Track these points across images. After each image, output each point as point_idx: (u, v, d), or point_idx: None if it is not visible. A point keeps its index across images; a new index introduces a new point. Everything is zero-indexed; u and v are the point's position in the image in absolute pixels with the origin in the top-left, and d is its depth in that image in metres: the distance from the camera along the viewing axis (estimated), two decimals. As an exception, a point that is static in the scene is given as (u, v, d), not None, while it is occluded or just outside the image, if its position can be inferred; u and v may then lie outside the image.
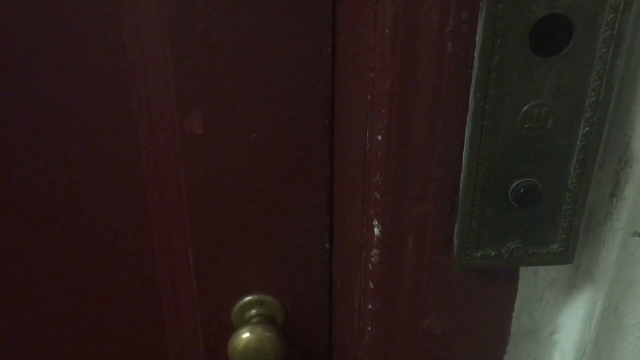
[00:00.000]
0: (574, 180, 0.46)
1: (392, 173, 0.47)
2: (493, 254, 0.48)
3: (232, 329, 0.67)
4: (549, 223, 0.47)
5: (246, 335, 0.64)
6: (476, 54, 0.42)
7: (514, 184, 0.46)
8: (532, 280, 0.53)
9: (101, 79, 0.57)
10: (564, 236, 0.47)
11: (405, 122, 0.45)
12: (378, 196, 0.48)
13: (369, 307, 0.52)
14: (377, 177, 0.47)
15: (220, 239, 0.64)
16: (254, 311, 0.70)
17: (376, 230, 0.49)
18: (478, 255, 0.48)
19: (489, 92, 0.43)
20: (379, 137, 0.46)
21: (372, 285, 0.51)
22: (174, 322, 0.72)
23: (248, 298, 0.69)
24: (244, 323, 0.69)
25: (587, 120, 0.44)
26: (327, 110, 0.58)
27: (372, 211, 0.49)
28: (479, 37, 0.41)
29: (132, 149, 0.60)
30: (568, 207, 0.47)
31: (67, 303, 0.68)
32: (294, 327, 0.71)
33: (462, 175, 0.46)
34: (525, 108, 0.43)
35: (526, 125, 0.44)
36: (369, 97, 0.46)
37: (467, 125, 0.45)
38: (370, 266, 0.50)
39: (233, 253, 0.65)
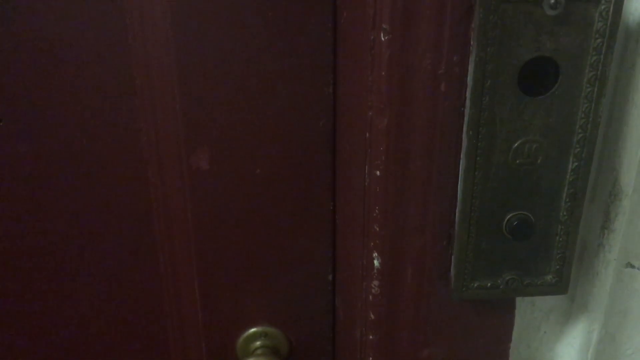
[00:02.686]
0: (565, 213, 0.48)
1: (390, 207, 0.49)
2: (489, 284, 0.49)
3: (237, 360, 0.68)
4: (543, 255, 0.49)
5: (251, 366, 0.65)
6: (468, 94, 0.44)
7: (508, 217, 0.47)
8: (529, 310, 0.54)
9: (112, 116, 0.59)
10: (557, 267, 0.49)
11: (402, 158, 0.47)
12: (377, 229, 0.50)
13: (370, 337, 0.53)
14: (376, 211, 0.49)
15: (226, 271, 0.66)
16: (258, 343, 0.71)
17: (376, 262, 0.51)
18: (475, 286, 0.49)
19: (481, 130, 0.45)
20: (378, 173, 0.48)
21: (372, 316, 0.52)
22: (180, 353, 0.73)
23: (253, 330, 0.70)
24: (248, 355, 0.70)
25: (575, 156, 0.46)
26: (329, 146, 0.60)
27: (372, 243, 0.50)
28: (470, 78, 0.44)
29: (140, 184, 0.63)
30: (560, 239, 0.48)
31: (73, 335, 0.69)
32: (298, 358, 0.72)
33: (457, 209, 0.48)
34: (516, 145, 0.45)
35: (517, 161, 0.46)
36: (367, 134, 0.48)
37: (461, 161, 0.47)
38: (370, 297, 0.52)
39: (238, 285, 0.67)
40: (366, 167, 0.49)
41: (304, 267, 0.67)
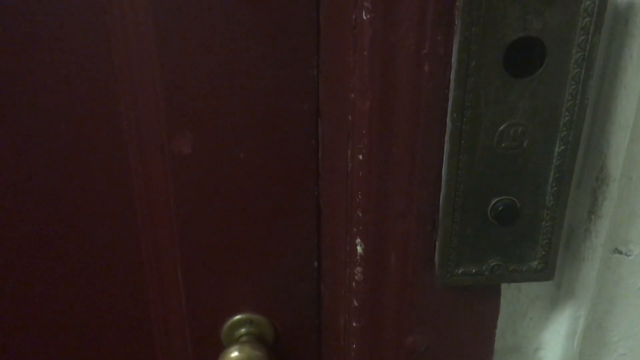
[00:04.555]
0: (551, 198, 0.47)
1: (373, 192, 0.48)
2: (474, 270, 0.49)
3: (222, 347, 0.67)
4: (528, 240, 0.48)
5: (235, 354, 0.64)
6: (452, 75, 0.43)
7: (493, 202, 0.46)
8: (515, 297, 0.53)
9: (91, 100, 0.58)
10: (543, 253, 0.48)
11: (385, 141, 0.46)
12: (360, 215, 0.48)
13: (354, 324, 0.52)
14: (359, 196, 0.48)
15: (210, 257, 0.65)
16: (243, 330, 0.70)
17: (359, 249, 0.50)
18: (459, 272, 0.48)
19: (465, 113, 0.44)
20: (360, 157, 0.47)
21: (356, 303, 0.52)
22: (164, 340, 0.72)
23: (238, 317, 0.69)
24: (233, 342, 0.69)
25: (562, 139, 0.45)
26: (313, 130, 0.59)
27: (355, 229, 0.49)
28: (454, 59, 0.43)
29: (121, 169, 0.61)
30: (546, 225, 0.47)
31: (54, 321, 0.68)
32: (284, 345, 0.71)
33: (441, 194, 0.47)
34: (502, 128, 0.44)
35: (503, 145, 0.45)
36: (350, 117, 0.47)
37: (445, 145, 0.46)
38: (354, 284, 0.51)
39: (222, 272, 0.66)
40: (349, 151, 0.48)
41: (289, 254, 0.66)
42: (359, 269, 0.50)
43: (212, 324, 0.70)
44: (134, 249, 0.66)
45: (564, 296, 0.53)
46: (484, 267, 0.49)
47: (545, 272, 0.49)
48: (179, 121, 0.58)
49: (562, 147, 0.45)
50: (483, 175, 0.46)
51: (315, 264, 0.67)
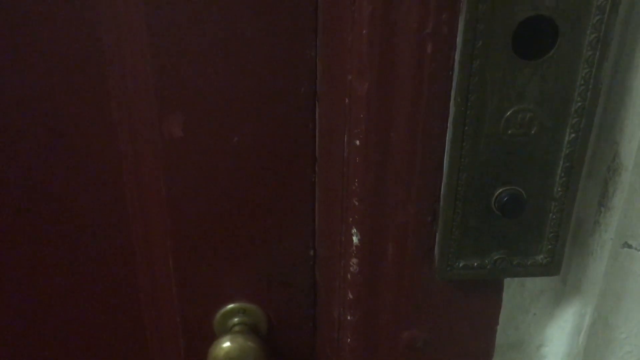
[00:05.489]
0: (559, 189, 0.44)
1: (370, 179, 0.45)
2: (476, 264, 0.46)
3: (214, 337, 0.65)
4: (534, 233, 0.46)
5: (227, 344, 0.62)
6: (457, 57, 0.40)
7: (498, 192, 0.44)
8: (518, 291, 0.51)
9: (79, 80, 0.55)
10: (549, 247, 0.46)
11: (383, 126, 0.43)
12: (357, 203, 0.46)
13: (348, 317, 0.50)
14: (356, 184, 0.45)
15: (202, 245, 0.63)
16: (236, 319, 0.68)
17: (355, 239, 0.47)
18: (460, 265, 0.46)
19: (470, 97, 0.41)
20: (357, 142, 0.44)
21: (351, 296, 0.49)
22: (155, 330, 0.70)
23: (230, 306, 0.67)
24: (226, 331, 0.67)
25: (573, 127, 0.42)
26: (311, 114, 0.56)
27: (351, 219, 0.47)
28: (459, 39, 0.40)
29: (111, 153, 0.59)
30: (554, 217, 0.45)
31: (45, 309, 0.66)
32: (277, 336, 0.69)
33: (443, 183, 0.44)
34: (508, 114, 0.42)
35: (509, 132, 0.42)
36: (347, 100, 0.44)
37: (448, 131, 0.43)
38: (349, 276, 0.49)
39: (215, 260, 0.64)
40: (345, 136, 0.45)
41: (284, 241, 0.64)
42: (354, 260, 0.48)
43: (204, 313, 0.68)
44: (123, 235, 0.63)
45: (570, 291, 0.51)
46: (486, 261, 0.46)
47: (551, 267, 0.46)
48: (170, 102, 0.55)
49: (573, 135, 0.42)
50: (487, 163, 0.43)
51: (312, 252, 0.65)
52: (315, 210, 0.61)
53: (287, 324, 0.69)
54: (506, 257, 0.46)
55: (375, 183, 0.45)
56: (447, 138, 0.43)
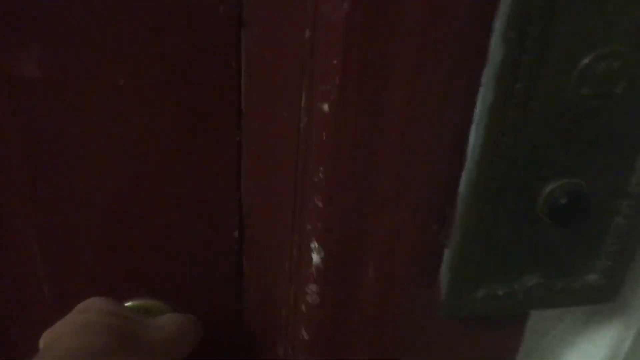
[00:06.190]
0: (636, 183, 0.28)
1: (344, 167, 0.27)
2: (502, 293, 0.30)
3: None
4: (590, 245, 0.30)
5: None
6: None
7: (549, 190, 0.27)
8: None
9: None
10: (609, 264, 0.30)
11: (371, 79, 0.25)
12: (320, 204, 0.28)
13: (301, 363, 0.33)
14: (320, 174, 0.27)
15: (79, 227, 0.43)
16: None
17: (315, 257, 0.29)
18: (479, 296, 0.30)
19: (530, 30, 0.23)
20: (325, 107, 0.25)
21: (306, 336, 0.32)
22: (27, 341, 0.50)
23: (127, 304, 0.49)
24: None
25: (680, 85, 0.25)
26: (235, 45, 0.36)
27: (310, 226, 0.29)
28: None
29: None
30: (623, 223, 0.29)
31: None
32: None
33: (464, 174, 0.27)
34: (586, 61, 0.24)
35: (582, 91, 0.25)
36: (307, 33, 0.25)
37: (481, 89, 0.25)
38: (304, 307, 0.31)
39: (98, 245, 0.44)
40: (303, 95, 0.26)
41: (195, 219, 0.45)
42: (313, 287, 0.30)
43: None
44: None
45: (610, 310, 0.36)
46: (516, 287, 0.30)
47: (606, 291, 0.31)
48: (20, 31, 0.34)
49: (678, 99, 0.26)
50: (540, 144, 0.26)
51: (236, 233, 0.46)
52: (240, 178, 0.43)
53: (204, 321, 0.52)
54: (544, 280, 0.30)
55: (351, 172, 0.27)
56: (480, 100, 0.25)
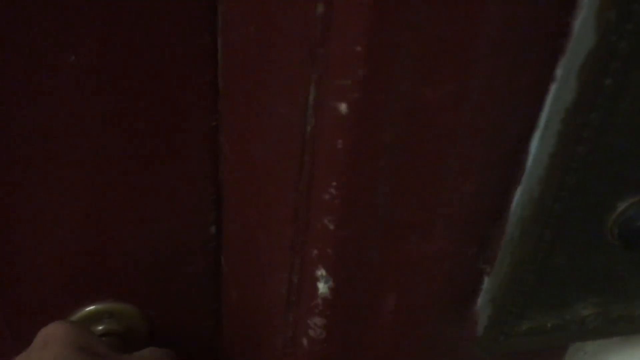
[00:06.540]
0: None
1: (364, 183, 0.21)
2: (550, 325, 0.24)
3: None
4: (658, 266, 0.24)
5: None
6: None
7: (621, 207, 0.21)
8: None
9: None
10: (677, 285, 0.25)
11: (407, 72, 0.18)
12: (331, 226, 0.22)
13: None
14: (333, 189, 0.21)
15: (36, 223, 0.36)
16: (100, 327, 0.44)
17: (322, 286, 0.23)
18: (524, 329, 0.24)
19: (633, 7, 0.17)
20: (343, 107, 0.19)
21: (308, 373, 0.26)
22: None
23: (89, 309, 0.43)
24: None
25: None
26: (209, 17, 0.29)
27: (316, 251, 0.23)
28: None
29: None
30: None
31: None
32: (165, 345, 0.46)
33: (520, 190, 0.21)
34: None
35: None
36: (319, 7, 0.18)
37: (553, 86, 0.19)
38: (305, 341, 0.25)
39: (60, 244, 0.38)
40: (311, 89, 0.20)
41: (171, 214, 0.39)
42: (318, 320, 0.24)
43: (45, 321, 0.42)
44: None
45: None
46: (567, 317, 0.25)
47: (668, 315, 0.26)
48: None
49: None
50: (618, 155, 0.20)
51: (213, 229, 0.40)
52: (217, 167, 0.36)
53: (178, 326, 0.46)
54: (601, 309, 0.25)
55: (374, 188, 0.21)
56: (552, 101, 0.19)
